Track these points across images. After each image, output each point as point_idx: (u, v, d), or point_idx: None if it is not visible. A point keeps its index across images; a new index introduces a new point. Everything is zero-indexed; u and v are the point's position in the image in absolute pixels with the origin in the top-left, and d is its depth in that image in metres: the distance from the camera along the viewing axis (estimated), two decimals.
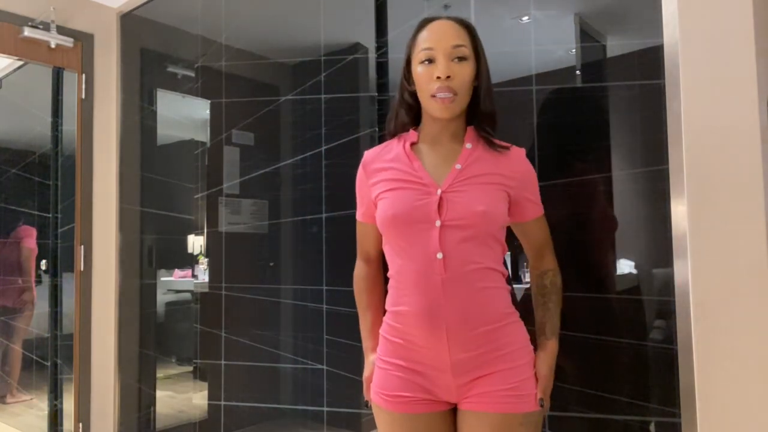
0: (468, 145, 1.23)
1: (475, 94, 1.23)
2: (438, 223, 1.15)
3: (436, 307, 1.13)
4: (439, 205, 1.15)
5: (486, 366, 1.15)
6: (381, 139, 1.84)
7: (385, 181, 1.24)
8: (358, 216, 1.36)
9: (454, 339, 1.13)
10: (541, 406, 1.16)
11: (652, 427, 1.31)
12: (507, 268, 1.25)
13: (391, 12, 1.86)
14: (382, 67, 1.87)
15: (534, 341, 1.23)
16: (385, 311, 1.28)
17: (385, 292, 1.30)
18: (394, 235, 1.20)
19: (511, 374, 1.15)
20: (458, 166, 1.20)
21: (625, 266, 1.38)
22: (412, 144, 1.27)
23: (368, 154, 1.33)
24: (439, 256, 1.14)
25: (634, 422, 1.33)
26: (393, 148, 1.29)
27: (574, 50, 1.47)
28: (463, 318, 1.13)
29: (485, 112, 1.24)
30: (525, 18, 1.55)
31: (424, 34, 1.21)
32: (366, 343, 1.37)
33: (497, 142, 1.24)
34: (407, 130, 1.30)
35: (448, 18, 1.22)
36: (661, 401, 1.28)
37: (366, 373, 1.34)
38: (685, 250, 1.19)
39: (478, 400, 1.15)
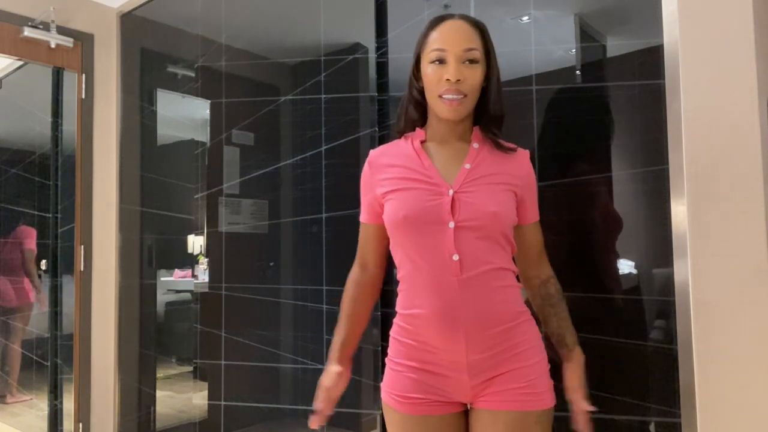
0: (475, 145, 1.23)
1: (483, 95, 1.22)
2: (451, 224, 1.14)
3: (453, 308, 1.13)
4: (452, 206, 1.14)
5: (501, 365, 1.15)
6: (381, 139, 1.84)
7: (392, 179, 1.22)
8: (362, 218, 1.33)
9: (472, 340, 1.13)
10: (592, 412, 1.17)
11: (652, 427, 1.31)
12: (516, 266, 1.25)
13: (391, 12, 1.86)
14: (382, 67, 1.87)
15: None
16: (363, 326, 1.32)
17: (373, 304, 1.33)
18: (405, 236, 1.18)
19: (525, 372, 1.15)
20: (467, 166, 1.19)
21: (625, 266, 1.38)
22: (422, 142, 1.26)
23: (374, 152, 1.32)
24: (455, 257, 1.13)
25: (634, 422, 1.33)
26: (401, 146, 1.28)
27: (574, 50, 1.47)
28: (480, 318, 1.13)
29: (495, 114, 1.23)
30: (525, 18, 1.55)
31: (435, 34, 1.19)
32: (333, 353, 1.34)
33: (504, 143, 1.24)
34: (415, 128, 1.29)
35: (461, 17, 1.20)
36: (661, 401, 1.28)
37: (326, 382, 1.30)
38: (685, 250, 1.19)
39: (493, 399, 1.15)
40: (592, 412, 1.18)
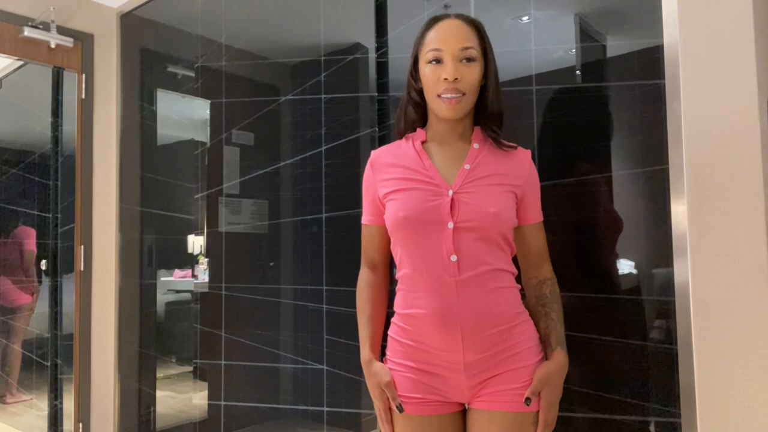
0: (475, 145, 1.23)
1: (482, 93, 1.22)
2: (450, 224, 1.14)
3: (450, 309, 1.13)
4: (451, 207, 1.14)
5: (498, 366, 1.15)
6: (381, 139, 1.84)
7: (394, 179, 1.23)
8: (364, 219, 1.33)
9: (469, 341, 1.13)
10: (527, 404, 1.13)
11: (652, 427, 1.31)
12: (517, 268, 1.25)
13: (391, 12, 1.86)
14: (382, 67, 1.87)
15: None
16: (383, 323, 1.29)
17: (387, 301, 1.30)
18: (404, 236, 1.18)
19: (522, 373, 1.15)
20: (467, 167, 1.19)
21: (625, 266, 1.38)
22: (422, 142, 1.26)
23: (375, 153, 1.32)
24: (453, 258, 1.13)
25: (634, 422, 1.33)
26: (402, 147, 1.28)
27: (574, 50, 1.47)
28: (478, 319, 1.13)
29: (493, 112, 1.23)
30: (525, 18, 1.55)
31: (432, 34, 1.20)
32: (366, 355, 1.28)
33: (504, 141, 1.24)
34: (415, 129, 1.29)
35: (457, 17, 1.21)
36: (661, 401, 1.28)
37: (386, 377, 1.22)
38: (685, 250, 1.19)
39: (490, 399, 1.15)
40: (592, 412, 1.18)
